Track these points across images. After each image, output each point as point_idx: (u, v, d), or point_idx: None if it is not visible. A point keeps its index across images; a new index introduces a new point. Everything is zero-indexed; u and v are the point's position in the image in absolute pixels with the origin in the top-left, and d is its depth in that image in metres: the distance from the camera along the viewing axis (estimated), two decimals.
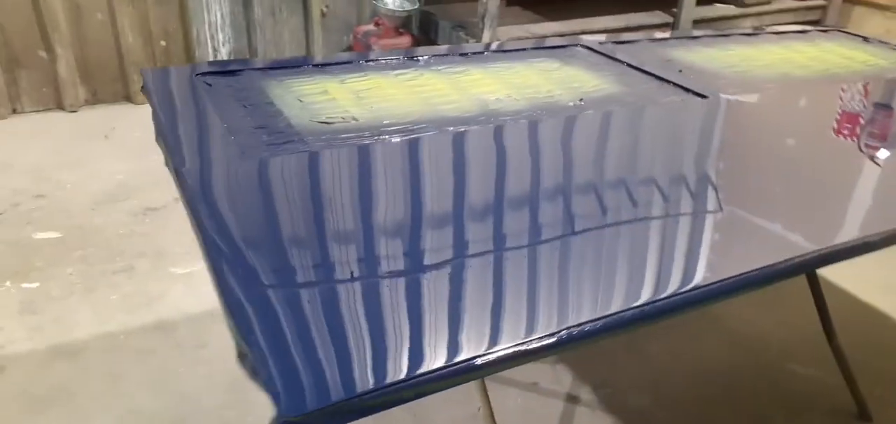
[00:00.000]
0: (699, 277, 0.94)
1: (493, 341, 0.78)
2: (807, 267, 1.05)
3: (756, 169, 1.35)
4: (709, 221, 1.12)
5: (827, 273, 2.72)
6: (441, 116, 1.42)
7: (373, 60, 1.76)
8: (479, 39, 3.82)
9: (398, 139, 1.28)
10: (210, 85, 1.47)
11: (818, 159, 1.43)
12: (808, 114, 1.71)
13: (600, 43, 2.04)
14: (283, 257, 0.90)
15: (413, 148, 1.26)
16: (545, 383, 2.08)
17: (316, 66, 1.66)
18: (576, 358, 2.18)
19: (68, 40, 3.66)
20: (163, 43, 3.93)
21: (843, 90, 1.82)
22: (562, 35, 4.11)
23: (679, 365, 2.21)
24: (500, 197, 1.13)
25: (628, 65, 1.85)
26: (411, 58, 1.78)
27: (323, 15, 4.27)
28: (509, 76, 1.71)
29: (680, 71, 1.83)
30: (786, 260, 0.99)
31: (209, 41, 4.01)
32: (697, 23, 4.56)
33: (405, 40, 4.14)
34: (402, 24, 4.18)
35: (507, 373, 2.10)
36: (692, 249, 1.02)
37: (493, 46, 1.94)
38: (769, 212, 1.17)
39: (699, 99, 1.63)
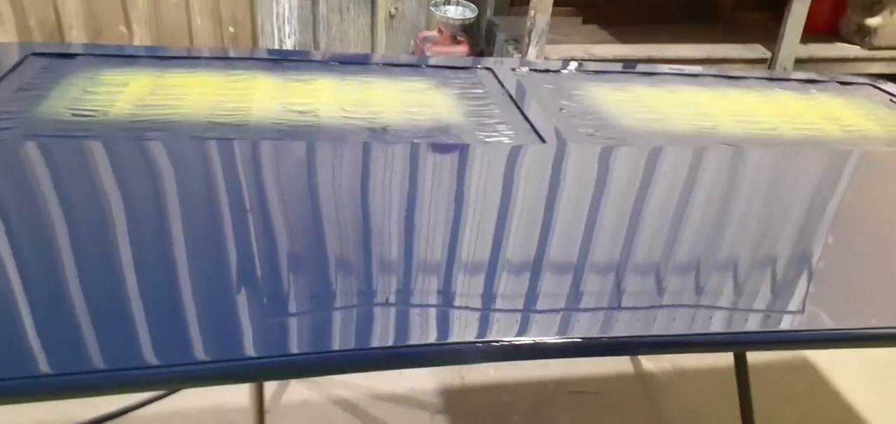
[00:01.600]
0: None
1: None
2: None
3: (508, 227, 1.11)
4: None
5: (838, 377, 2.24)
6: (206, 122, 1.32)
7: (240, 58, 1.70)
8: (524, 55, 3.61)
9: (109, 143, 1.21)
10: (19, 63, 1.49)
11: (611, 232, 1.15)
12: (661, 177, 1.38)
13: (513, 69, 1.81)
14: None
15: (112, 153, 1.19)
16: None
17: (165, 58, 1.63)
18: None
19: (145, 19, 3.98)
20: (231, 29, 4.14)
21: (768, 157, 1.47)
22: (627, 59, 3.77)
23: None
24: (148, 229, 1.03)
25: (509, 95, 1.62)
26: (275, 60, 1.70)
27: (391, 17, 4.28)
28: (354, 91, 1.57)
29: (561, 109, 1.58)
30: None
31: (275, 33, 4.16)
32: (802, 62, 3.96)
33: (461, 49, 4.02)
34: (462, 32, 4.07)
35: None
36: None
37: (405, 59, 1.79)
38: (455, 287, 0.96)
39: (536, 144, 1.38)
